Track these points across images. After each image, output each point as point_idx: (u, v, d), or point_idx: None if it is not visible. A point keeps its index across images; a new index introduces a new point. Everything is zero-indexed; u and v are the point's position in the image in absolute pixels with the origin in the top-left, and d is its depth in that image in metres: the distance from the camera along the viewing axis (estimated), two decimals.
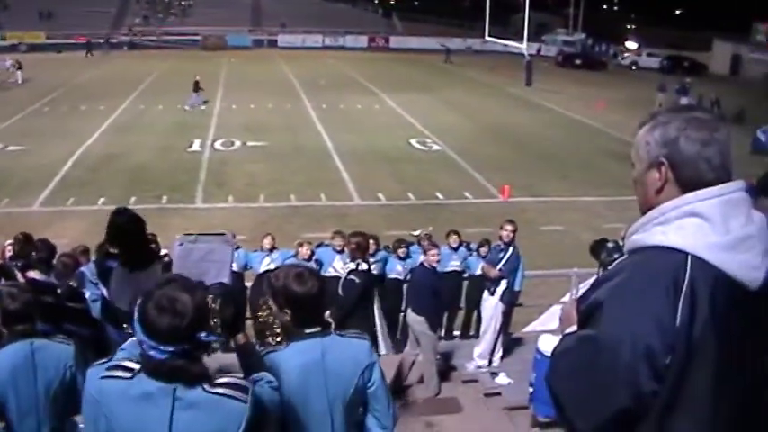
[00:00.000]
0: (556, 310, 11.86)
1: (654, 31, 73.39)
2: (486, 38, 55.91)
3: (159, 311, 2.70)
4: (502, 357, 10.54)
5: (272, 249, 11.74)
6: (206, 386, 2.76)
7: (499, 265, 10.29)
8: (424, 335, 9.35)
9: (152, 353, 2.74)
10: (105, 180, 22.65)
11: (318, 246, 11.99)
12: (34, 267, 8.02)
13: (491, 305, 10.32)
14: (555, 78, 51.43)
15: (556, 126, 34.18)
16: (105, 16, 71.68)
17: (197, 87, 36.90)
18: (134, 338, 3.34)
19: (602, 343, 1.98)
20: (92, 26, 66.57)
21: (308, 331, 3.65)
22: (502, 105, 39.88)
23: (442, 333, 11.41)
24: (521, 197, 21.70)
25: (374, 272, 9.69)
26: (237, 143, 28.30)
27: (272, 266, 11.42)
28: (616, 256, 7.91)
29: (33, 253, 9.23)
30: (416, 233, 12.76)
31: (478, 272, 11.58)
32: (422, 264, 9.71)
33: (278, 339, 3.87)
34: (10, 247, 9.90)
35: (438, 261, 9.78)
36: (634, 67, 64.01)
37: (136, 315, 2.79)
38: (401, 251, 11.63)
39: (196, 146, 27.84)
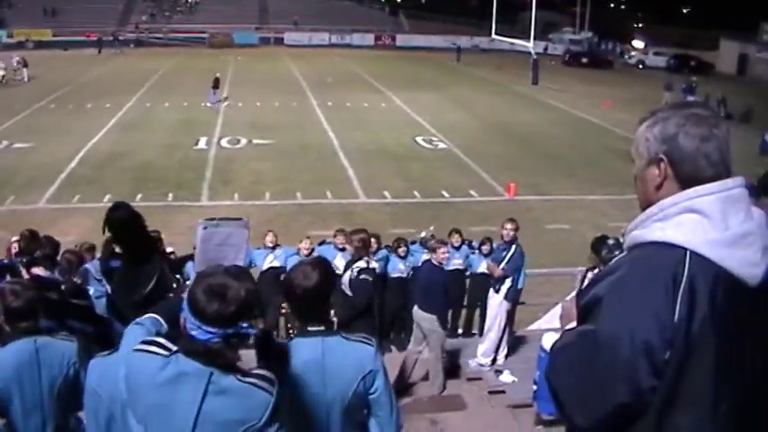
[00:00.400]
0: (560, 309, 11.87)
1: (661, 29, 73.26)
2: (493, 36, 55.98)
3: (210, 295, 2.77)
4: (506, 355, 10.54)
5: (274, 247, 11.77)
6: (238, 375, 2.82)
7: (502, 264, 10.29)
8: (434, 332, 9.36)
9: (194, 332, 2.80)
10: (111, 177, 22.68)
11: (320, 243, 12.01)
12: (39, 264, 8.04)
13: (496, 303, 10.32)
14: (561, 77, 51.39)
15: (562, 125, 34.15)
16: (112, 13, 71.78)
17: (216, 84, 37.05)
18: (152, 316, 3.45)
19: (600, 338, 1.98)
20: (98, 24, 66.71)
21: (310, 329, 3.64)
22: (508, 104, 39.86)
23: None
24: (526, 195, 21.69)
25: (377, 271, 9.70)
26: (243, 141, 28.32)
27: (276, 264, 11.49)
28: (617, 252, 7.90)
29: (38, 250, 9.26)
30: (423, 235, 12.75)
31: (480, 270, 11.59)
32: (429, 261, 9.68)
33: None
34: (16, 244, 9.93)
35: (447, 258, 9.82)
36: (641, 66, 63.93)
37: (186, 295, 2.87)
38: (401, 250, 11.63)
39: (202, 143, 27.86)
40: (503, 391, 9.55)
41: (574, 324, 2.24)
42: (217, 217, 4.65)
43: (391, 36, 75.37)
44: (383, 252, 11.50)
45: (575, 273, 11.65)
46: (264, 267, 11.59)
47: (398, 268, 11.32)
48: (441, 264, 9.50)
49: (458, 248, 11.89)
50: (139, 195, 19.78)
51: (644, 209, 2.17)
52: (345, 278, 8.51)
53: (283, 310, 10.85)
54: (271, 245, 11.74)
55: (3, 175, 22.54)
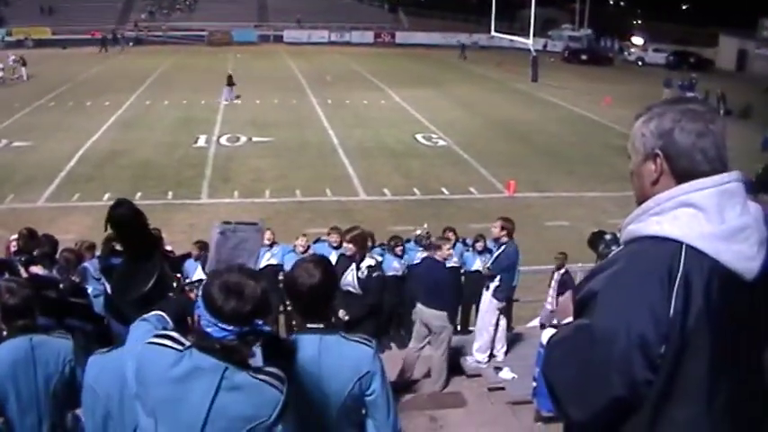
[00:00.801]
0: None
1: (660, 26, 73.23)
2: (493, 33, 55.84)
3: (227, 293, 2.80)
4: (506, 352, 10.54)
5: (271, 245, 11.78)
6: (250, 372, 2.87)
7: (488, 263, 10.35)
8: (445, 329, 9.37)
9: (210, 330, 2.83)
10: (111, 176, 22.68)
11: (316, 241, 12.02)
12: (37, 263, 8.05)
13: (485, 300, 10.36)
14: (561, 74, 51.40)
15: (562, 121, 34.15)
16: (111, 12, 71.73)
17: (230, 81, 37.20)
18: (157, 313, 3.45)
19: (596, 332, 1.99)
20: (98, 22, 66.66)
21: (310, 326, 3.64)
22: (508, 101, 39.84)
23: None
24: (526, 192, 21.70)
25: None
26: (243, 138, 28.32)
27: (273, 261, 11.51)
28: (614, 247, 7.91)
29: (37, 249, 9.26)
30: (418, 233, 12.75)
31: (474, 268, 11.60)
32: (431, 258, 9.63)
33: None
34: (15, 243, 9.94)
35: (451, 255, 9.83)
36: (640, 63, 63.85)
37: (201, 293, 2.90)
38: (398, 249, 11.63)
39: (202, 141, 27.87)
40: (502, 388, 9.56)
41: (570, 319, 2.25)
42: (234, 221, 4.66)
43: (391, 33, 75.26)
44: (377, 250, 11.51)
45: (574, 270, 11.67)
46: (262, 265, 11.60)
47: (393, 267, 11.28)
48: (444, 260, 9.50)
49: (452, 246, 11.90)
50: (139, 194, 19.78)
51: (640, 204, 2.17)
52: (350, 277, 8.49)
53: (282, 308, 10.87)
54: (268, 243, 11.75)
55: (2, 174, 22.55)
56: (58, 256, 9.31)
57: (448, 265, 10.08)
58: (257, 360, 3.15)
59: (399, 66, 54.57)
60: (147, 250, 4.74)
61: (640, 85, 45.35)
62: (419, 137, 29.39)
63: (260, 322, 2.87)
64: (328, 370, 3.56)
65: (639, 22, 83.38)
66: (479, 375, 10.05)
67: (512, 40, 54.76)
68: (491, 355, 10.40)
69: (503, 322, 10.43)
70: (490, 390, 9.55)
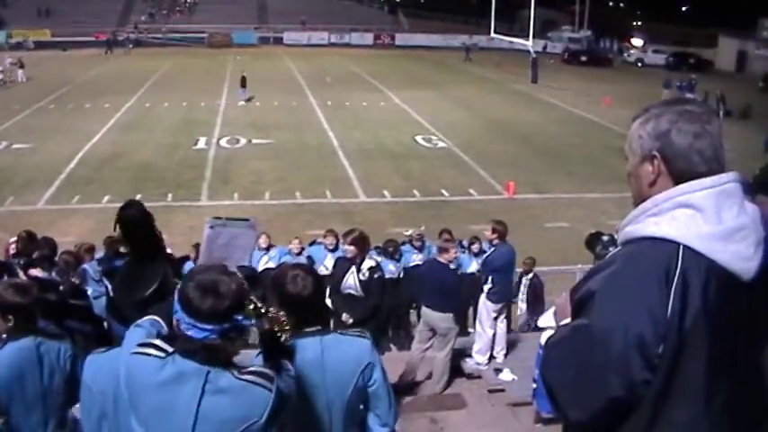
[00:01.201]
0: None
1: (659, 27, 73.24)
2: (492, 35, 55.87)
3: (202, 292, 2.76)
4: (506, 354, 10.54)
5: (268, 248, 11.78)
6: (235, 373, 2.81)
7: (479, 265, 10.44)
8: (452, 330, 9.38)
9: (190, 332, 2.79)
10: (110, 178, 22.68)
11: (311, 243, 12.02)
12: (36, 265, 8.05)
13: (480, 302, 10.37)
14: (561, 75, 51.41)
15: (561, 123, 34.13)
16: (111, 14, 71.76)
17: (244, 83, 37.32)
18: (152, 318, 3.42)
19: (594, 333, 1.99)
20: (97, 24, 66.74)
21: (307, 329, 3.65)
22: (508, 102, 39.84)
23: None
24: (526, 194, 21.69)
25: None
26: (243, 140, 28.33)
27: (271, 264, 11.51)
28: (611, 248, 7.92)
29: (36, 251, 9.27)
30: (408, 233, 12.75)
31: (470, 270, 11.61)
32: (436, 260, 9.62)
33: (287, 335, 3.87)
34: (14, 245, 9.95)
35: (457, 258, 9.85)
36: (640, 64, 63.86)
37: (177, 295, 2.85)
38: (392, 252, 11.64)
39: (201, 143, 27.88)
40: (502, 390, 9.55)
41: (568, 320, 2.25)
42: (224, 216, 4.62)
43: (390, 35, 75.31)
44: (372, 253, 11.51)
45: (574, 271, 11.67)
46: (260, 269, 11.63)
47: (389, 269, 11.24)
48: (449, 263, 9.48)
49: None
50: (139, 195, 19.67)
51: (637, 205, 2.18)
52: (351, 280, 8.48)
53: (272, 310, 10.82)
54: (264, 246, 11.76)
55: (2, 176, 22.55)
56: (57, 258, 9.32)
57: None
58: (258, 360, 3.15)
59: (399, 67, 54.59)
60: (152, 252, 4.76)
61: (640, 86, 45.33)
62: (419, 138, 29.39)
63: (239, 317, 2.82)
64: (332, 368, 3.60)
65: (639, 23, 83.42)
66: (479, 377, 10.05)
67: (511, 42, 54.79)
68: (491, 357, 10.40)
69: (502, 324, 10.42)
70: (490, 391, 9.54)
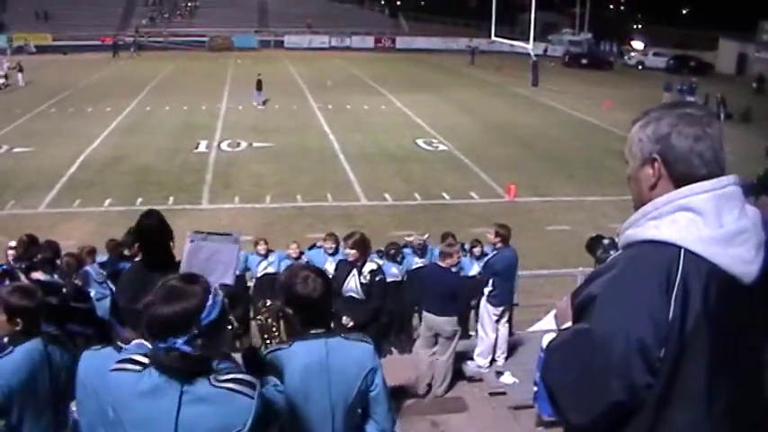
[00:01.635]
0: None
1: (660, 30, 73.26)
2: (493, 38, 55.87)
3: (163, 301, 2.73)
4: (507, 357, 10.54)
5: (266, 254, 11.78)
6: (212, 379, 2.75)
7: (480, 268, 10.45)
8: (456, 333, 9.40)
9: (160, 345, 2.75)
10: (111, 181, 22.67)
11: (311, 247, 12.02)
12: (38, 269, 8.06)
13: (481, 306, 10.39)
14: (561, 78, 51.37)
15: (562, 126, 34.11)
16: (112, 17, 71.82)
17: (260, 86, 37.42)
18: (138, 340, 3.34)
19: (595, 337, 2.00)
20: (98, 28, 66.78)
21: (312, 331, 3.67)
22: (508, 105, 39.81)
23: None
24: (527, 197, 21.68)
25: None
26: (244, 144, 28.30)
27: (270, 270, 11.52)
28: (612, 252, 7.91)
29: (38, 255, 9.27)
30: (410, 239, 12.74)
31: (472, 273, 11.60)
32: (437, 265, 9.60)
33: (276, 342, 3.86)
34: (12, 252, 9.95)
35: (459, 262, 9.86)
36: (640, 67, 63.71)
37: (144, 311, 2.80)
38: (395, 255, 11.63)
39: (202, 147, 27.86)
40: (504, 393, 9.55)
41: (569, 323, 2.26)
42: (206, 230, 4.52)
43: (391, 38, 75.32)
44: (374, 256, 11.51)
45: (575, 274, 11.67)
46: (259, 274, 11.64)
47: (392, 273, 11.22)
48: (451, 267, 9.49)
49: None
50: (140, 199, 19.78)
51: (638, 208, 2.19)
52: (353, 283, 8.47)
53: (259, 322, 10.79)
54: (263, 252, 11.76)
55: (3, 180, 22.54)
56: (59, 261, 9.33)
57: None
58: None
59: (400, 71, 54.60)
60: (164, 262, 4.76)
61: (640, 89, 45.30)
62: (420, 141, 29.36)
63: (204, 321, 2.71)
64: (337, 371, 3.61)
65: (639, 26, 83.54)
66: (481, 380, 10.05)
67: (512, 45, 54.82)
68: (492, 360, 10.40)
69: (504, 327, 10.43)
70: (491, 394, 9.55)
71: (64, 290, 7.02)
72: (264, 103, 37.31)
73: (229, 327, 2.90)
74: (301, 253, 11.65)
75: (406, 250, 12.05)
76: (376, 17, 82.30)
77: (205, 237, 4.31)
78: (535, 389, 8.26)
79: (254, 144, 28.24)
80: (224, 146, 28.03)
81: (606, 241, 9.57)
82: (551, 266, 13.82)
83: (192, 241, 4.30)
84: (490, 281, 10.19)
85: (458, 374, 10.02)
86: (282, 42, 71.70)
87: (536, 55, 49.87)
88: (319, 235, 13.82)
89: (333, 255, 10.89)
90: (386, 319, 10.38)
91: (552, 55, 66.17)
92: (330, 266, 9.70)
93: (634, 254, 2.08)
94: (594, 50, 68.20)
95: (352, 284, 8.41)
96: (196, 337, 2.72)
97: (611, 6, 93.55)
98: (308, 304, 3.63)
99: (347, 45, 72.25)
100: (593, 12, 70.84)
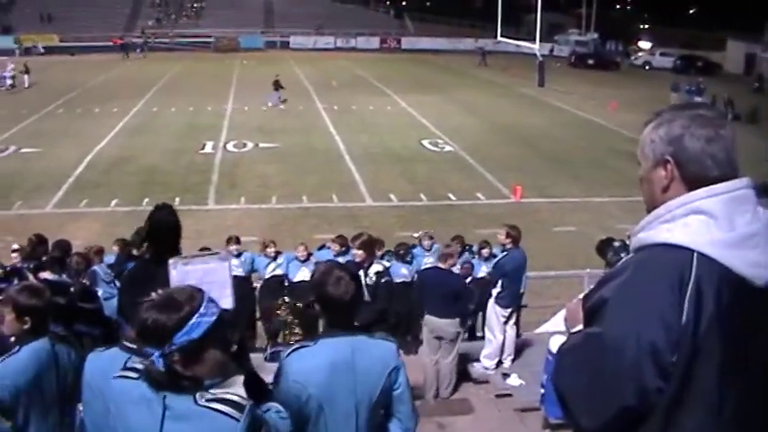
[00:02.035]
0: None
1: (667, 30, 73.14)
2: (499, 38, 55.78)
3: (153, 307, 2.72)
4: (513, 359, 10.52)
5: (275, 256, 11.77)
6: (197, 397, 2.69)
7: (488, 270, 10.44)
8: (459, 335, 9.41)
9: (147, 352, 2.74)
10: (118, 182, 22.72)
11: (320, 248, 12.01)
12: (46, 268, 8.08)
13: (489, 307, 10.37)
14: (568, 78, 51.32)
15: (568, 126, 34.09)
16: (119, 18, 72.02)
17: (277, 86, 37.64)
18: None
19: (606, 341, 1.98)
20: (104, 29, 66.97)
21: (338, 330, 3.70)
22: (514, 106, 39.78)
23: None
24: (533, 198, 21.65)
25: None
26: (250, 144, 28.34)
27: (279, 272, 11.52)
28: (623, 255, 7.89)
29: (46, 254, 9.30)
30: (417, 235, 12.75)
31: (480, 274, 11.58)
32: (438, 268, 9.60)
33: (296, 338, 3.87)
34: (15, 254, 9.98)
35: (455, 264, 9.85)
36: (647, 67, 63.62)
37: (139, 311, 2.79)
38: (402, 253, 11.62)
39: (208, 147, 27.90)
40: (510, 395, 9.54)
41: (580, 327, 2.24)
42: (188, 254, 4.32)
43: (396, 39, 75.38)
44: (386, 257, 11.53)
45: (582, 275, 11.64)
46: (267, 275, 11.63)
47: (402, 273, 11.23)
48: (450, 267, 9.48)
49: (459, 254, 11.86)
50: (146, 200, 19.76)
51: (650, 211, 2.17)
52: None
53: (280, 318, 10.83)
54: (272, 254, 11.75)
55: (10, 180, 22.62)
56: (68, 260, 9.36)
57: (455, 270, 10.06)
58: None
59: (405, 71, 54.61)
60: (173, 256, 4.74)
61: (647, 89, 45.28)
62: (425, 142, 29.35)
63: (183, 338, 2.65)
64: (362, 370, 3.63)
65: (646, 26, 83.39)
66: (487, 382, 10.03)
67: (518, 45, 54.79)
68: (499, 362, 10.38)
69: (511, 329, 10.41)
70: (498, 396, 9.54)
71: (71, 289, 7.05)
72: (284, 102, 37.52)
73: (225, 349, 2.81)
74: (309, 254, 11.65)
75: (416, 250, 12.05)
76: (381, 18, 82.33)
77: (187, 261, 4.02)
78: (542, 391, 8.25)
79: (260, 145, 28.28)
80: (230, 146, 28.08)
81: (617, 244, 9.56)
82: (558, 268, 13.79)
83: (175, 268, 3.97)
84: (499, 282, 10.19)
85: (464, 376, 10.01)
86: (288, 43, 71.83)
87: (542, 55, 49.85)
88: (325, 236, 13.85)
89: (340, 256, 10.88)
90: (393, 320, 10.37)
91: (558, 55, 66.22)
92: None
93: (646, 257, 2.07)
94: (601, 51, 68.14)
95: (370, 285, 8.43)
96: (171, 353, 2.67)
97: (618, 6, 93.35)
98: (339, 305, 3.66)
99: (352, 46, 72.35)
100: (599, 12, 70.74)
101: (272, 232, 15.90)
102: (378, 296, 8.44)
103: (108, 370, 3.17)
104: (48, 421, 4.43)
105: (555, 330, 10.56)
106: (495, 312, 10.25)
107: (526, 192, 21.78)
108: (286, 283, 11.52)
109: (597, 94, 43.78)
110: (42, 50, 61.67)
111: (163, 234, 4.82)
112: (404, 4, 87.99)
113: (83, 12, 69.42)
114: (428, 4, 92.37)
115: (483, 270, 11.56)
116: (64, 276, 8.17)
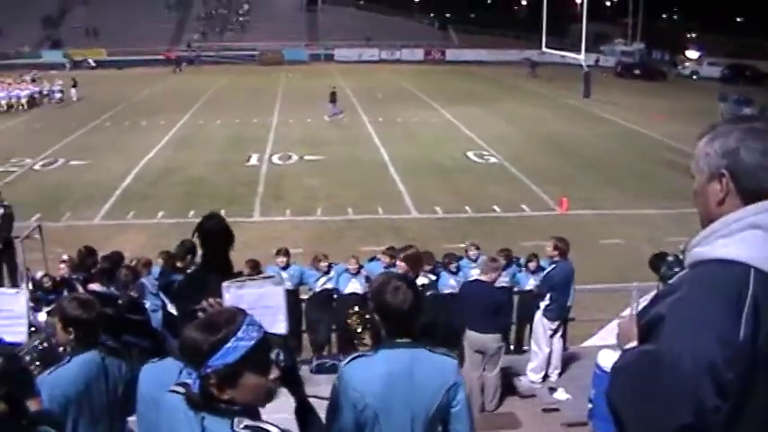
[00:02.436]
0: (615, 326, 11.71)
1: (715, 39, 72.20)
2: (544, 49, 55.57)
3: (195, 326, 2.68)
4: (560, 373, 10.42)
5: (328, 269, 11.76)
6: (235, 422, 2.63)
7: (536, 282, 10.34)
8: (501, 349, 9.35)
9: (188, 372, 2.72)
10: (164, 194, 23.02)
11: (371, 260, 12.00)
12: (95, 279, 8.18)
13: (537, 320, 10.30)
14: (613, 89, 50.94)
15: (615, 137, 33.77)
16: (165, 32, 73.06)
17: (333, 98, 38.02)
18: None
19: (663, 358, 1.95)
20: (150, 43, 67.97)
21: (399, 341, 3.69)
22: (559, 117, 39.56)
23: None
24: (579, 210, 21.45)
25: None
26: (295, 157, 28.52)
27: (329, 286, 11.51)
28: (676, 269, 7.78)
29: (95, 266, 9.42)
30: (463, 245, 12.71)
31: (528, 287, 11.50)
32: (478, 281, 9.53)
33: (365, 348, 3.86)
34: (63, 265, 10.12)
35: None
36: (695, 77, 62.90)
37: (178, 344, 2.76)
38: (452, 266, 11.57)
39: (254, 160, 28.13)
40: (557, 409, 9.43)
41: (634, 343, 2.20)
42: (242, 278, 4.28)
43: (441, 50, 75.55)
44: (437, 269, 11.49)
45: (630, 288, 11.48)
46: (318, 289, 11.63)
47: (450, 284, 11.20)
48: (493, 282, 9.41)
49: (505, 267, 11.75)
50: (192, 212, 19.93)
51: (705, 225, 2.14)
52: None
53: (349, 328, 10.82)
54: (325, 269, 11.74)
55: (59, 192, 23.02)
56: (116, 272, 9.47)
57: (497, 285, 9.97)
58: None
59: (450, 83, 54.64)
60: (222, 265, 4.77)
61: (694, 99, 44.72)
62: (470, 154, 29.29)
63: (218, 362, 2.58)
64: (420, 383, 3.61)
65: (693, 35, 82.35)
66: (533, 396, 9.93)
67: (563, 56, 54.50)
68: (545, 376, 10.28)
69: (558, 343, 10.32)
70: (545, 411, 9.43)
71: (120, 301, 7.12)
72: (340, 113, 37.92)
73: (264, 374, 2.72)
74: (360, 267, 11.64)
75: (463, 261, 11.99)
76: (425, 30, 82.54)
77: (242, 284, 3.97)
78: (590, 406, 8.13)
79: (305, 157, 28.44)
80: (275, 159, 28.30)
81: (670, 258, 9.39)
82: (605, 281, 13.62)
83: (228, 291, 3.92)
84: (548, 295, 10.11)
85: (510, 390, 9.91)
86: (332, 56, 72.29)
87: (588, 66, 49.42)
88: (371, 248, 13.85)
89: (391, 268, 10.85)
90: (441, 333, 10.35)
91: (604, 65, 65.67)
92: None
93: (702, 273, 2.03)
94: (647, 61, 67.59)
95: None
96: (206, 376, 2.62)
97: (665, 15, 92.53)
98: (397, 314, 3.65)
99: (397, 58, 72.69)
100: (645, 21, 70.20)
101: (318, 244, 15.93)
102: (422, 310, 8.39)
103: (162, 381, 3.19)
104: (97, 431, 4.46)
105: (602, 344, 10.44)
106: (542, 325, 10.17)
107: (572, 203, 21.61)
108: (335, 296, 11.54)
109: (643, 105, 43.38)
110: (94, 65, 62.90)
111: (213, 243, 4.85)
112: (448, 15, 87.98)
113: (128, 26, 70.64)
114: (472, 15, 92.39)
115: (530, 283, 11.47)
116: (112, 289, 8.27)
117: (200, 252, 8.93)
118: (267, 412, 2.81)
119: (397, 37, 75.18)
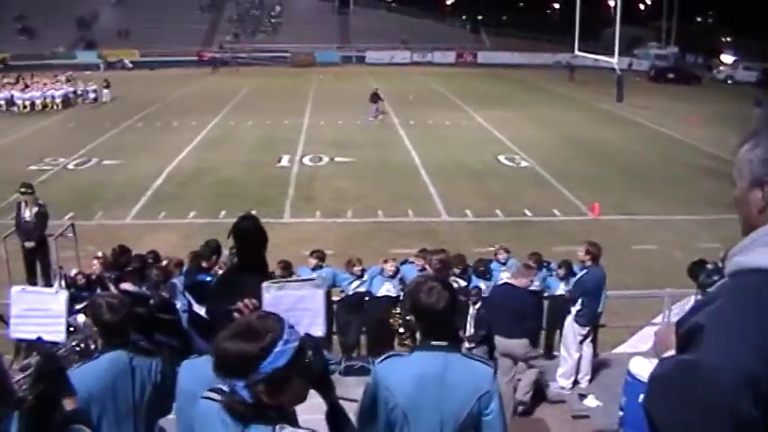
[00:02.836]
0: (647, 332, 11.59)
1: (750, 43, 71.33)
2: (577, 52, 55.27)
3: (231, 337, 2.63)
4: (590, 379, 10.34)
5: (362, 273, 11.75)
6: (277, 429, 2.62)
7: (568, 287, 10.27)
8: (530, 353, 9.35)
9: (224, 384, 2.70)
10: (195, 194, 23.17)
11: (403, 263, 11.98)
12: (127, 279, 8.24)
13: (568, 325, 10.25)
14: (647, 93, 50.53)
15: (647, 142, 33.49)
16: (197, 33, 73.60)
17: (375, 98, 38.16)
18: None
19: (701, 369, 1.90)
20: (182, 43, 68.49)
21: (433, 343, 3.68)
22: (592, 121, 39.30)
23: None
24: (611, 215, 21.25)
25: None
26: (325, 158, 28.59)
27: (362, 289, 11.51)
28: (715, 278, 7.69)
29: (128, 264, 9.50)
30: (492, 248, 12.66)
31: (558, 292, 11.43)
32: (509, 285, 9.48)
33: (405, 349, 3.88)
34: (96, 261, 10.22)
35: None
36: (729, 81, 62.27)
37: (215, 341, 2.72)
38: (482, 270, 11.53)
39: (285, 161, 28.24)
40: (587, 416, 9.36)
41: (672, 352, 2.16)
42: (282, 279, 4.27)
43: (473, 53, 75.43)
44: (469, 274, 11.46)
45: (662, 295, 11.38)
46: (351, 292, 11.63)
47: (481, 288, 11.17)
48: (524, 286, 9.35)
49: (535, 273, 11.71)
50: (223, 212, 20.06)
51: (746, 233, 2.09)
52: None
53: (392, 327, 10.81)
54: (359, 272, 11.74)
55: (92, 192, 23.27)
56: (148, 272, 9.55)
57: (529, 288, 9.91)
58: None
59: (481, 86, 54.51)
60: (256, 266, 4.79)
61: (729, 104, 44.24)
62: (501, 157, 29.18)
63: (269, 367, 2.55)
64: (452, 387, 3.60)
65: (729, 39, 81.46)
66: (563, 402, 9.86)
67: (596, 60, 54.13)
68: (575, 382, 10.21)
69: (588, 348, 10.25)
70: (574, 417, 9.36)
71: (151, 301, 7.16)
72: (383, 114, 38.18)
73: (308, 377, 2.73)
74: (397, 270, 11.60)
75: (493, 265, 11.94)
76: (457, 32, 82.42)
77: (281, 286, 4.05)
78: (621, 414, 8.04)
79: (336, 159, 28.52)
80: (306, 160, 28.38)
81: (710, 266, 9.28)
82: (637, 287, 13.50)
83: (268, 292, 4.02)
84: (579, 300, 10.04)
85: (539, 396, 9.84)
86: (364, 58, 72.41)
87: (621, 70, 49.05)
88: (401, 251, 13.82)
89: (421, 271, 10.84)
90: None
91: (637, 69, 65.22)
92: None
93: (743, 282, 1.98)
94: (681, 64, 67.04)
95: None
96: (257, 383, 2.59)
97: (699, 19, 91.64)
98: (431, 315, 3.64)
99: (428, 60, 72.69)
100: (679, 25, 69.70)
101: (348, 246, 15.95)
102: (458, 312, 8.36)
103: (203, 375, 3.20)
104: (122, 431, 4.46)
105: (633, 351, 10.35)
106: (572, 330, 10.11)
107: (604, 209, 21.42)
108: (366, 298, 11.54)
109: (677, 109, 43.00)
110: (131, 66, 63.63)
111: (249, 244, 4.88)
112: (480, 18, 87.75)
113: (160, 27, 71.22)
114: (505, 18, 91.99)
115: (561, 288, 11.40)
116: (143, 288, 8.33)
117: (225, 252, 8.99)
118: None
119: (429, 39, 75.19)
